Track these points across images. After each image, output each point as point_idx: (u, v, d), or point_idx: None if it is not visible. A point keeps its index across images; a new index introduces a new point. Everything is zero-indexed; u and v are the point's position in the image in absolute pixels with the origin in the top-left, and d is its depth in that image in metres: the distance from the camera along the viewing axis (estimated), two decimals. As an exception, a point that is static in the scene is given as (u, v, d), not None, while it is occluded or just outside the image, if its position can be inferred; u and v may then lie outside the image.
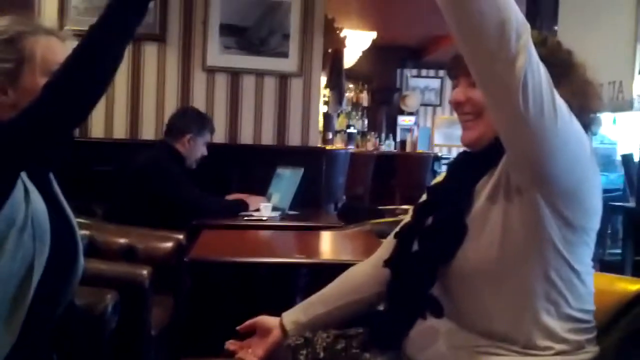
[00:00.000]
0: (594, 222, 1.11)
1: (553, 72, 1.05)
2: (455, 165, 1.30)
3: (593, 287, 1.15)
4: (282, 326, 1.36)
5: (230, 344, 1.33)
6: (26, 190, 1.22)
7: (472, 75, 1.03)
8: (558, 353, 1.09)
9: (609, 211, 3.79)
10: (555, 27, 3.02)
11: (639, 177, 2.71)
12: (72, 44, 1.24)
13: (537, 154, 1.00)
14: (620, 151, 4.29)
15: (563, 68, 1.13)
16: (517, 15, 0.93)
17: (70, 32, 1.42)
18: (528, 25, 0.96)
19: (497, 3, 0.91)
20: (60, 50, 1.33)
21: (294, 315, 1.39)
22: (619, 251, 4.18)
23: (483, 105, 1.14)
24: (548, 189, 1.04)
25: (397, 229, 1.30)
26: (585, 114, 1.12)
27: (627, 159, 3.60)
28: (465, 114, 1.19)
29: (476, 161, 1.19)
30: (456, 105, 1.20)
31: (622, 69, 2.52)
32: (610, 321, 1.21)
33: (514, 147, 1.03)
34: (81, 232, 1.42)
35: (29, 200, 1.21)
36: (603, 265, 3.75)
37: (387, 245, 1.35)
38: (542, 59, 1.03)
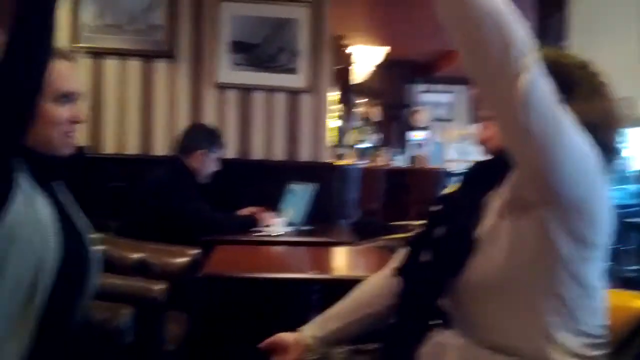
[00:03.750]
0: (604, 237, 1.11)
1: (570, 88, 1.09)
2: (468, 176, 1.32)
3: (605, 302, 1.14)
4: (301, 341, 1.37)
5: None
6: (29, 197, 1.21)
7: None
8: (573, 367, 1.09)
9: (625, 227, 3.75)
10: (565, 44, 3.02)
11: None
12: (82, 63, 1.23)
13: (541, 168, 1.01)
14: (633, 166, 4.25)
15: (583, 87, 1.15)
16: (521, 37, 0.95)
17: (81, 50, 1.41)
18: (533, 44, 0.97)
19: (500, 29, 0.93)
20: (70, 74, 1.34)
21: (311, 330, 1.40)
22: (637, 267, 4.13)
23: None
24: (555, 203, 1.04)
25: (409, 238, 1.31)
26: (606, 132, 1.14)
27: (640, 175, 3.59)
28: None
29: (487, 172, 1.21)
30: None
31: (631, 86, 2.51)
32: (627, 338, 1.21)
33: (519, 159, 1.05)
34: (98, 248, 1.42)
35: (32, 207, 1.21)
36: (621, 281, 3.71)
37: (400, 255, 1.36)
38: (561, 76, 1.04)
